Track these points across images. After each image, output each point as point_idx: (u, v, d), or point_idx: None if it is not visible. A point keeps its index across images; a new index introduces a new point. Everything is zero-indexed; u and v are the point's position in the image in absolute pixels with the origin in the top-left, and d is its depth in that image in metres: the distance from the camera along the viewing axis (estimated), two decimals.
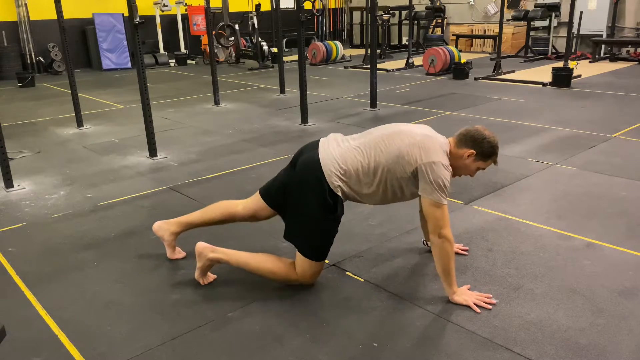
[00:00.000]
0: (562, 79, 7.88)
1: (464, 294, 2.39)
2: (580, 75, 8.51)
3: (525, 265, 2.71)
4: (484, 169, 2.46)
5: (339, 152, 2.39)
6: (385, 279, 2.62)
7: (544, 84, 8.04)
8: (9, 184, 4.08)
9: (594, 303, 2.36)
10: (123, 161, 4.82)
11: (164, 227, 2.83)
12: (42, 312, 2.42)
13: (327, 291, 2.52)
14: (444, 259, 2.33)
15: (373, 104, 6.75)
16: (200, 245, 2.56)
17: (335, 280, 2.62)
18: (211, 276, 2.64)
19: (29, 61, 11.11)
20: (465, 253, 2.85)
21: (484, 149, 2.36)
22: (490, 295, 2.41)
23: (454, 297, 2.38)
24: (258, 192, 2.69)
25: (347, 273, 2.69)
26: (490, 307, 2.34)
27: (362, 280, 2.62)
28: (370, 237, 3.09)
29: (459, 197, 3.61)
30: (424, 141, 2.32)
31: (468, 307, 2.34)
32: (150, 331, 2.27)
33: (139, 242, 3.13)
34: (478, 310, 2.31)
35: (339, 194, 2.37)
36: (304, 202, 2.40)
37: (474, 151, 2.35)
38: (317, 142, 2.50)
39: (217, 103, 7.39)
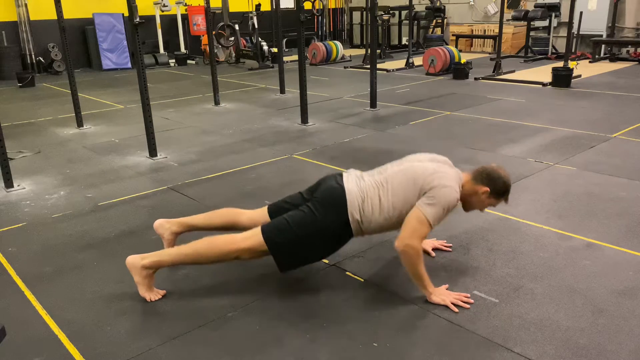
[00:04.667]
0: (562, 79, 7.88)
1: (442, 294, 2.39)
2: (580, 75, 8.51)
3: (525, 265, 2.71)
4: (494, 205, 2.55)
5: (362, 187, 2.46)
6: (385, 279, 2.63)
7: (544, 84, 8.04)
8: (9, 184, 4.08)
9: (594, 303, 2.36)
10: (123, 161, 4.82)
11: (165, 226, 2.79)
12: (42, 312, 2.42)
13: (327, 291, 2.52)
14: (410, 266, 2.35)
15: (373, 104, 6.75)
16: (129, 259, 2.44)
17: (335, 280, 2.62)
18: (160, 292, 2.51)
19: (29, 61, 11.11)
20: (449, 249, 2.88)
21: (498, 188, 2.45)
22: (468, 295, 2.42)
23: (432, 297, 2.38)
24: (266, 208, 2.68)
25: (347, 273, 2.69)
26: (468, 306, 2.35)
27: (362, 280, 2.62)
28: (370, 237, 3.08)
29: None
30: (440, 170, 2.41)
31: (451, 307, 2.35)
32: (150, 331, 2.27)
33: (139, 242, 3.13)
34: (456, 309, 2.32)
35: (352, 228, 2.44)
36: (318, 211, 2.42)
37: (488, 189, 2.44)
38: (339, 174, 2.57)
39: (217, 103, 7.38)
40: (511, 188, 2.52)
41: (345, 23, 16.53)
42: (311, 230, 2.41)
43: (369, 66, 8.06)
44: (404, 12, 13.72)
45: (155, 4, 11.89)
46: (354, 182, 2.48)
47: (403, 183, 2.41)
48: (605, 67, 9.89)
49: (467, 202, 2.51)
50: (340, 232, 2.46)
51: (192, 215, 2.85)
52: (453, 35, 13.65)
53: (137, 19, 4.44)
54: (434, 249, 2.88)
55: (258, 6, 11.72)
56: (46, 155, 5.10)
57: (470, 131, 5.49)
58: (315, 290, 2.54)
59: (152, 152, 4.88)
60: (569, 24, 7.75)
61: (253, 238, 2.42)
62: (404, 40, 14.28)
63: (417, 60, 10.47)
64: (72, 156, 5.02)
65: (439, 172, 2.40)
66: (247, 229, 2.62)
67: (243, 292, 2.54)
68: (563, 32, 11.58)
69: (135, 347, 2.15)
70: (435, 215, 2.33)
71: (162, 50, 12.51)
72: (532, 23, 11.32)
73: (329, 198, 2.45)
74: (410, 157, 2.60)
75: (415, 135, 5.42)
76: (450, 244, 2.93)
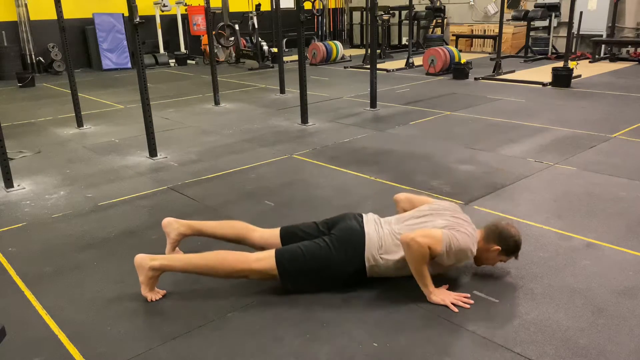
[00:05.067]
0: (562, 79, 7.88)
1: (442, 294, 2.41)
2: (580, 75, 8.51)
3: (525, 265, 2.71)
4: (505, 262, 2.59)
5: (380, 235, 2.48)
6: (385, 279, 2.62)
7: (544, 84, 8.04)
8: (9, 184, 4.08)
9: (594, 303, 2.36)
10: (123, 161, 4.82)
11: (173, 225, 2.77)
12: (42, 312, 2.42)
13: (327, 291, 2.52)
14: (412, 261, 2.36)
15: (373, 104, 6.75)
16: (138, 258, 2.46)
17: None
18: (160, 292, 2.51)
19: (29, 61, 11.11)
20: None
21: (509, 247, 2.49)
22: (468, 295, 2.43)
23: (431, 296, 2.39)
24: (278, 229, 2.67)
25: None
26: (468, 306, 2.35)
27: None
28: None
29: (459, 197, 3.61)
30: (460, 224, 2.45)
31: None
32: (150, 331, 2.27)
33: (139, 242, 3.13)
34: (455, 309, 2.33)
35: (367, 270, 2.47)
36: (335, 248, 2.45)
37: (500, 248, 2.48)
38: (359, 214, 2.59)
39: (217, 103, 7.39)
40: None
41: (345, 23, 16.53)
42: (324, 264, 2.44)
43: (369, 66, 8.06)
44: (404, 12, 13.72)
45: (155, 4, 11.90)
46: (373, 227, 2.51)
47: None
48: (605, 67, 9.89)
49: (479, 257, 2.55)
50: (352, 272, 2.48)
51: (193, 216, 2.86)
52: (453, 35, 13.65)
53: (137, 19, 4.44)
54: None
55: (258, 6, 11.72)
56: (46, 155, 5.10)
57: (470, 131, 5.49)
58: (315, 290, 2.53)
59: (152, 152, 4.88)
60: (569, 24, 7.75)
61: (265, 261, 2.43)
62: (404, 40, 14.28)
63: (417, 60, 10.47)
64: (72, 156, 5.02)
65: (458, 227, 2.43)
66: (256, 246, 2.65)
67: (243, 292, 2.53)
68: (563, 32, 11.58)
69: (135, 347, 2.15)
70: (451, 245, 2.34)
71: (162, 50, 12.51)
72: (532, 23, 11.32)
73: (347, 238, 2.48)
74: (430, 208, 2.61)
75: (415, 135, 5.42)
76: None
